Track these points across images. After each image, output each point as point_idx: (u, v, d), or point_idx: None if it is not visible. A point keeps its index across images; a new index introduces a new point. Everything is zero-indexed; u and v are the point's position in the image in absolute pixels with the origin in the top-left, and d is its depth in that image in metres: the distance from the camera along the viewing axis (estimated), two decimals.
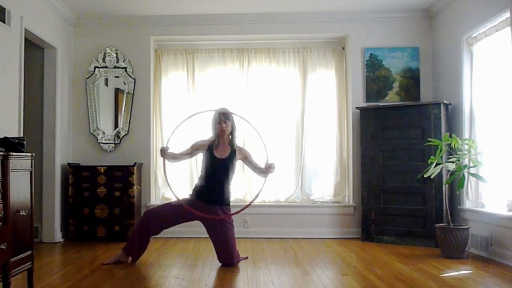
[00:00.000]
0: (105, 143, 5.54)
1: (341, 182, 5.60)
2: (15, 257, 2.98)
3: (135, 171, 5.20)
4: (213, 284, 3.41)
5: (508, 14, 3.96)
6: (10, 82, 4.14)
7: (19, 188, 3.06)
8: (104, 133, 5.55)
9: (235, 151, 4.04)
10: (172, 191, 3.98)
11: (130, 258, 4.05)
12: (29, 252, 3.18)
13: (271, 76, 5.71)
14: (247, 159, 4.15)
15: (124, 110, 5.56)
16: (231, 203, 4.10)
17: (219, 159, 3.99)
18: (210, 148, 4.03)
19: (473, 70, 4.68)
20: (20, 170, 3.08)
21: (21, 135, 4.16)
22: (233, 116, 4.06)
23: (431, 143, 4.47)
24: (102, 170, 5.18)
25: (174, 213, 4.00)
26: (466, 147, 4.38)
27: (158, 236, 5.18)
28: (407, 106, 5.07)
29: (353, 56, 5.53)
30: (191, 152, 4.19)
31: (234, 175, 4.12)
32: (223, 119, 3.98)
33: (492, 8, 4.18)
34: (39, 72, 5.12)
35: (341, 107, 5.67)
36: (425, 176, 4.50)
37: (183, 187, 5.38)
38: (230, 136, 4.05)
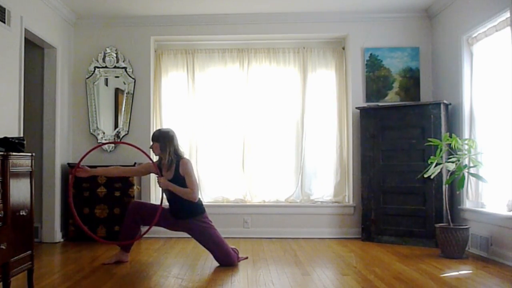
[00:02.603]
0: (106, 143, 5.53)
1: (341, 182, 5.60)
2: (15, 257, 2.98)
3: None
4: (213, 284, 3.41)
5: (508, 14, 3.96)
6: (10, 82, 4.14)
7: (19, 188, 3.06)
8: (104, 133, 5.55)
9: (178, 168, 3.95)
10: (76, 217, 4.08)
11: (128, 255, 4.09)
12: (29, 252, 3.18)
13: (271, 76, 5.71)
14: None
15: (124, 110, 5.56)
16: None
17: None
18: (160, 170, 4.03)
19: (473, 70, 4.68)
20: (20, 170, 3.08)
21: (21, 135, 4.16)
22: (167, 135, 4.01)
23: (431, 143, 4.47)
24: None
25: (155, 210, 4.01)
26: (466, 147, 4.38)
27: (158, 236, 5.22)
28: (407, 106, 5.07)
29: (353, 56, 5.53)
30: (143, 171, 4.30)
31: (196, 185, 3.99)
32: (151, 142, 4.06)
33: (492, 8, 4.18)
34: (39, 72, 5.12)
35: (341, 107, 5.67)
36: (425, 176, 4.50)
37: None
38: (168, 157, 3.95)
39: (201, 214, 4.02)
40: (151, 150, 4.11)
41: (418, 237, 4.83)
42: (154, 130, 5.61)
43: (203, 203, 4.18)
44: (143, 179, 5.49)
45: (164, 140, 3.99)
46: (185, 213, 3.99)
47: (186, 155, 4.15)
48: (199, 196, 4.07)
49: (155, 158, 4.24)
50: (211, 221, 4.05)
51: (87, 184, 5.15)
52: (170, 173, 3.97)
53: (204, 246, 4.04)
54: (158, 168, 4.02)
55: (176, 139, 4.06)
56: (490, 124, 4.38)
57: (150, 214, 4.00)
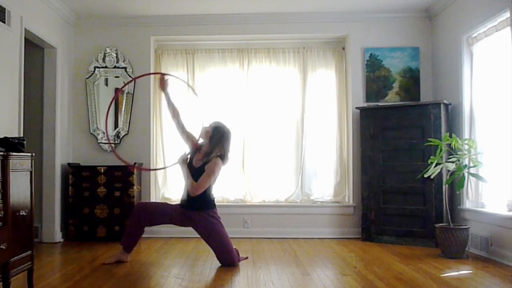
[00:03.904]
0: (105, 143, 5.54)
1: (341, 182, 5.60)
2: (15, 257, 2.98)
3: (135, 171, 5.20)
4: (213, 284, 3.41)
5: (508, 14, 3.96)
6: (10, 82, 4.14)
7: (19, 188, 3.06)
8: (104, 133, 5.55)
9: (208, 162, 3.94)
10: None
11: (129, 256, 4.09)
12: (29, 252, 3.18)
13: (271, 76, 5.71)
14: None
15: (124, 110, 5.56)
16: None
17: (193, 167, 3.98)
18: (195, 151, 4.05)
19: (473, 70, 4.68)
20: (20, 170, 3.08)
21: (21, 135, 4.16)
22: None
23: (431, 143, 4.47)
24: (102, 170, 5.18)
25: (163, 209, 4.06)
26: (466, 147, 4.38)
27: (158, 236, 5.22)
28: (407, 106, 5.07)
29: (353, 56, 5.53)
30: (187, 135, 4.21)
31: (214, 181, 4.00)
32: (207, 125, 4.04)
33: (492, 8, 4.18)
34: (39, 72, 5.12)
35: (341, 107, 5.67)
36: (425, 176, 4.50)
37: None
38: (212, 150, 3.95)
39: (210, 209, 4.02)
40: (202, 130, 4.01)
41: (418, 237, 4.83)
42: (155, 131, 5.67)
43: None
44: (143, 179, 5.49)
45: (219, 134, 3.98)
46: (195, 204, 3.97)
47: (228, 159, 4.05)
48: (212, 193, 4.07)
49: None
50: (220, 218, 4.06)
51: (87, 184, 5.15)
52: (200, 162, 3.97)
53: (207, 243, 4.03)
54: (195, 151, 4.03)
55: (230, 142, 4.04)
56: (490, 124, 4.38)
57: (155, 214, 4.02)
